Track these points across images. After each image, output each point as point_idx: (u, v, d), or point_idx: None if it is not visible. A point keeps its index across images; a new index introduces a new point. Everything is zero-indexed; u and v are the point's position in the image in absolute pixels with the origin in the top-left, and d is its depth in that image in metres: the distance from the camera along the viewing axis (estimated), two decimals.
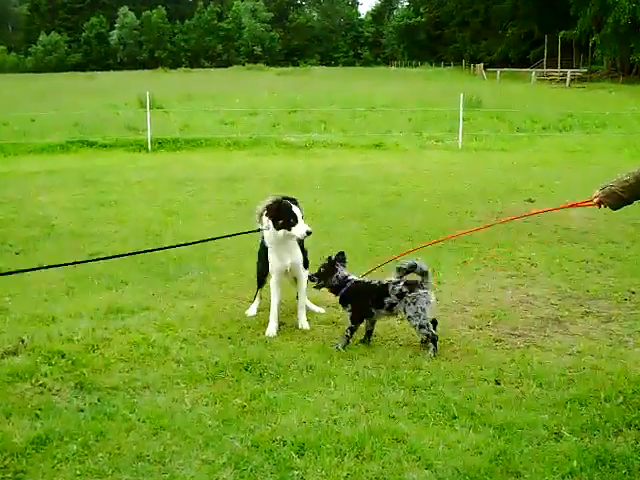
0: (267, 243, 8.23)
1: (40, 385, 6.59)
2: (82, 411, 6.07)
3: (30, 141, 27.90)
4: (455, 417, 5.93)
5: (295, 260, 8.27)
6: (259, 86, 61.15)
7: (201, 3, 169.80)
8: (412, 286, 7.48)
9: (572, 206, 7.63)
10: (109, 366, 6.99)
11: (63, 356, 7.16)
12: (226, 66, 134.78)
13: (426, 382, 6.58)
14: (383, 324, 8.05)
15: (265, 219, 8.06)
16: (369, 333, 7.75)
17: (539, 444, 5.51)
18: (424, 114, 34.54)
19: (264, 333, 7.88)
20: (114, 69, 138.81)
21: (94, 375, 6.77)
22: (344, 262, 7.92)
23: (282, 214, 7.93)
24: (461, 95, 28.01)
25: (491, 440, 5.54)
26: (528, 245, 11.81)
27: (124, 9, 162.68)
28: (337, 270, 7.80)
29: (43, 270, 8.92)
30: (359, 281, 7.86)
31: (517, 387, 6.54)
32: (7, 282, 9.80)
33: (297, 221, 7.92)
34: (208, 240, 9.33)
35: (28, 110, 36.78)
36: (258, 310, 8.59)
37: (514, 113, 33.37)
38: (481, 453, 5.37)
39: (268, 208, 8.03)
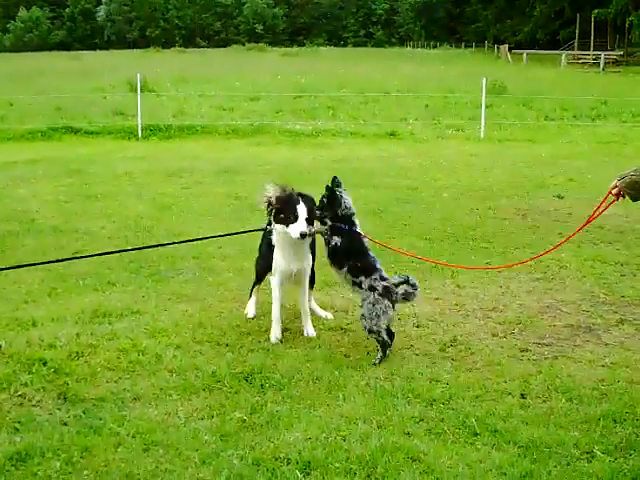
0: (274, 240, 8.10)
1: (19, 396, 6.59)
2: (66, 424, 6.08)
3: (8, 127, 27.92)
4: (476, 434, 5.93)
5: (303, 266, 8.18)
6: (261, 68, 61.11)
7: None
8: (387, 290, 7.55)
9: (600, 210, 7.20)
10: (95, 375, 6.99)
11: (45, 364, 7.17)
12: (224, 46, 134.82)
13: (444, 395, 6.57)
14: (398, 332, 8.05)
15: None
16: None
17: (569, 464, 5.50)
18: (443, 100, 34.54)
19: (266, 340, 7.87)
20: (101, 48, 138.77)
21: (79, 385, 6.77)
22: (340, 186, 7.84)
23: (285, 208, 7.79)
24: (483, 80, 27.97)
25: (516, 460, 5.54)
26: None
27: None
28: (342, 197, 7.75)
29: (22, 269, 8.96)
30: (361, 235, 7.87)
31: (544, 402, 6.53)
32: None
33: (297, 219, 7.70)
34: (206, 238, 9.35)
35: (6, 93, 36.74)
36: (258, 315, 8.57)
37: (542, 100, 33.31)
38: (505, 474, 5.36)
39: (276, 198, 7.88)
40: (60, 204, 14.99)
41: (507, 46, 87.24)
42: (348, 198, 7.83)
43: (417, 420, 6.14)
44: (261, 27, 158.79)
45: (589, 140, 25.33)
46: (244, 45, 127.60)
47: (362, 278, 7.62)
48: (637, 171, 6.31)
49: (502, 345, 7.87)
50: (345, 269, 7.74)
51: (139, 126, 27.20)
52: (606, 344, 7.92)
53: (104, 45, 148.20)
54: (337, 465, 5.44)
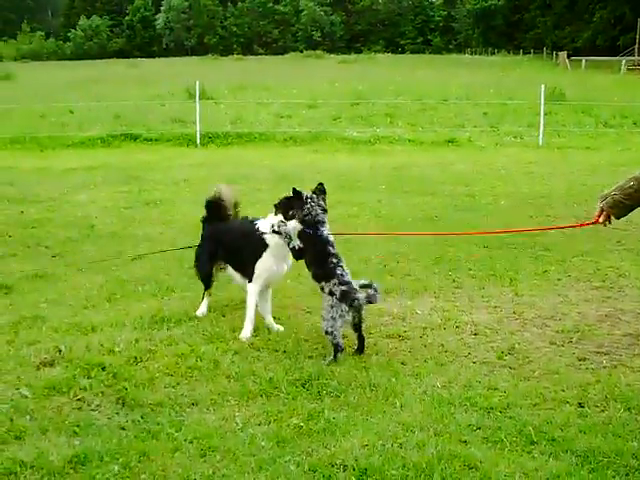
0: (271, 244, 8.26)
1: (79, 400, 6.65)
2: (124, 429, 6.12)
3: (68, 134, 28.27)
4: (533, 442, 5.88)
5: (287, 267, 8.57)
6: (318, 75, 61.25)
7: None
8: (344, 294, 7.67)
9: (579, 226, 7.61)
10: (153, 380, 7.03)
11: (103, 368, 7.22)
12: (282, 53, 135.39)
13: (502, 404, 6.53)
14: (455, 340, 8.06)
15: (274, 220, 8.25)
16: None
17: (627, 474, 5.44)
18: (501, 107, 34.34)
19: (323, 347, 7.86)
20: (160, 56, 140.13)
21: (137, 390, 6.82)
22: (324, 193, 8.17)
23: (297, 203, 8.02)
24: (542, 86, 27.80)
25: (573, 469, 5.48)
26: (616, 253, 11.69)
27: None
28: (311, 204, 7.98)
29: (82, 275, 9.05)
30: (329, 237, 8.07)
31: (602, 411, 6.46)
32: (44, 287, 10.00)
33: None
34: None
35: (66, 101, 37.20)
36: (313, 323, 8.58)
37: (601, 106, 32.99)
38: None
39: (281, 202, 8.22)
40: (119, 210, 15.15)
41: (566, 53, 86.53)
42: (318, 205, 8.05)
43: (474, 428, 6.10)
44: (319, 34, 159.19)
45: None
46: (302, 52, 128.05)
47: (323, 283, 7.82)
48: (619, 189, 6.53)
49: (560, 354, 7.80)
50: (310, 273, 8.01)
51: (197, 133, 27.37)
52: None
53: (162, 53, 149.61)
54: (393, 472, 5.42)
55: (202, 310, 9.00)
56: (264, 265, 8.31)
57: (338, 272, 7.81)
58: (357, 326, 7.83)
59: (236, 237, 8.70)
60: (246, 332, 8.31)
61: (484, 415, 6.33)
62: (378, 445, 5.80)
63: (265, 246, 8.26)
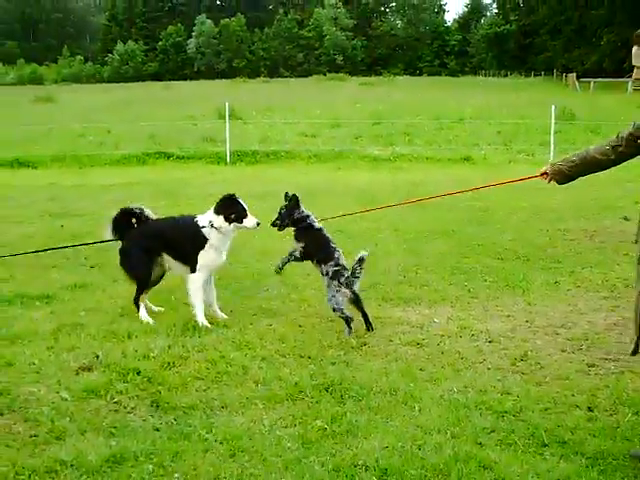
0: (211, 240, 8.83)
1: (115, 402, 6.68)
2: (158, 430, 6.14)
3: (106, 153, 28.49)
4: (545, 445, 5.86)
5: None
6: (341, 97, 61.29)
7: (281, 11, 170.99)
8: (337, 272, 8.54)
9: (525, 179, 8.34)
10: (186, 384, 7.05)
11: (139, 373, 7.25)
12: (306, 76, 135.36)
13: (515, 408, 6.51)
14: (471, 347, 8.05)
15: (211, 216, 8.82)
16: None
17: (636, 477, 5.41)
18: (514, 127, 34.25)
19: (345, 354, 7.87)
20: (191, 78, 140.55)
21: (170, 393, 6.84)
22: (298, 203, 8.91)
23: (234, 207, 8.79)
24: (553, 107, 27.76)
25: (584, 471, 5.45)
26: (623, 265, 11.59)
27: (202, 17, 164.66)
28: (298, 207, 8.86)
29: (118, 285, 9.08)
30: (321, 229, 8.95)
31: (611, 415, 6.43)
32: (82, 296, 10.07)
33: (247, 214, 8.81)
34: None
35: (104, 121, 37.47)
36: (338, 331, 8.60)
37: (609, 126, 32.78)
38: None
39: (218, 205, 8.84)
40: None
41: (575, 74, 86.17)
42: (303, 209, 8.92)
43: (489, 431, 6.09)
44: (341, 58, 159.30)
45: None
46: (325, 75, 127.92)
47: (322, 266, 8.67)
48: (564, 160, 7.09)
49: (570, 360, 7.78)
50: (316, 264, 8.80)
51: (227, 152, 27.49)
52: None
53: (194, 75, 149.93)
54: (412, 472, 5.41)
55: (145, 316, 9.11)
56: (208, 256, 8.88)
57: (336, 255, 8.60)
58: (357, 303, 8.52)
59: (179, 232, 9.07)
60: (200, 317, 8.79)
61: (498, 418, 6.32)
62: (398, 447, 5.79)
63: (206, 239, 8.82)
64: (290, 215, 8.84)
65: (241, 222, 8.78)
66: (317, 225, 8.92)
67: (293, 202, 8.82)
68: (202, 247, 8.85)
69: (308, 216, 8.89)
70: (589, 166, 6.90)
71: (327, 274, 8.56)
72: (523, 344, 8.24)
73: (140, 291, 9.19)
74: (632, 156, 6.59)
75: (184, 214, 9.49)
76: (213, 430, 6.09)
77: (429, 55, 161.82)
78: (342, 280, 8.48)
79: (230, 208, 8.79)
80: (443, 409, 6.50)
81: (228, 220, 8.73)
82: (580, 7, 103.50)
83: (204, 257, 8.88)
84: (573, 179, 7.15)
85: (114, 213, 9.36)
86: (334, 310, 8.49)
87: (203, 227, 8.82)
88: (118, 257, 9.30)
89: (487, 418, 6.32)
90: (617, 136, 6.56)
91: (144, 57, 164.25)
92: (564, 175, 7.10)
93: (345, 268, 8.55)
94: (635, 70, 6.29)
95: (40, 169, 26.27)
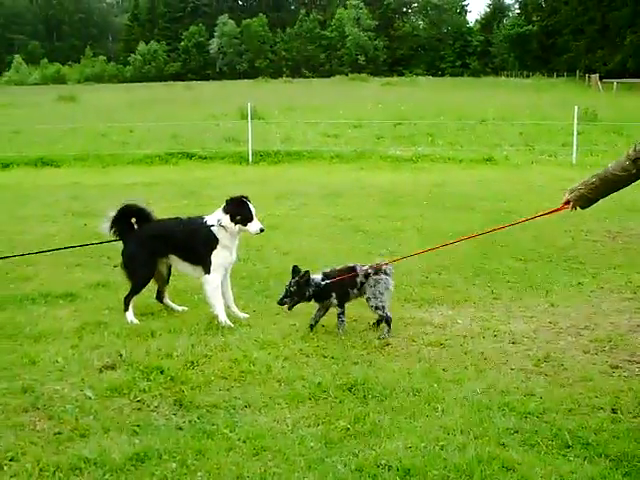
0: (222, 240, 8.93)
1: (138, 401, 6.70)
2: (181, 429, 6.15)
3: (129, 152, 28.50)
4: (569, 446, 5.83)
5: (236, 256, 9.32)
6: (363, 97, 61.20)
7: (303, 11, 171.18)
8: (377, 270, 8.68)
9: (550, 213, 7.99)
10: (209, 383, 7.06)
11: (162, 372, 7.27)
12: (328, 76, 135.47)
13: (538, 409, 6.48)
14: (494, 348, 8.03)
15: (219, 215, 8.91)
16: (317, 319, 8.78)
17: None
18: (536, 127, 34.08)
19: (368, 354, 7.89)
20: (213, 79, 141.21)
21: (193, 392, 6.86)
22: (299, 272, 8.70)
23: (242, 209, 8.87)
24: (576, 108, 27.62)
25: (608, 473, 5.43)
26: None
27: (224, 17, 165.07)
28: (310, 279, 8.63)
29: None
30: (329, 273, 8.81)
31: (635, 417, 6.39)
32: (105, 295, 10.12)
33: (253, 218, 8.90)
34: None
35: (126, 121, 37.57)
36: (358, 331, 8.60)
37: (632, 126, 32.62)
38: None
39: (228, 203, 8.93)
40: None
41: (598, 75, 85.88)
42: (313, 275, 8.70)
43: (512, 432, 6.07)
44: (363, 58, 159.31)
45: None
46: (347, 75, 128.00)
47: (357, 280, 8.70)
48: (583, 184, 6.97)
49: (594, 362, 7.75)
50: (349, 292, 8.80)
51: (249, 152, 27.46)
52: None
53: (216, 76, 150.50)
54: (435, 473, 5.40)
55: (132, 316, 9.10)
56: (221, 255, 8.96)
57: (353, 265, 8.91)
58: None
59: (189, 233, 9.07)
60: (222, 317, 8.85)
61: (521, 419, 6.29)
62: (421, 447, 5.78)
63: (217, 240, 8.91)
64: (304, 292, 8.65)
65: (245, 225, 8.88)
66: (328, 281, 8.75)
67: (304, 279, 8.62)
68: (215, 247, 8.90)
69: (321, 282, 8.70)
70: (611, 185, 6.82)
71: (367, 274, 8.67)
72: (546, 345, 8.21)
73: (134, 293, 9.19)
74: None
75: (190, 215, 9.56)
76: (236, 429, 6.09)
77: (451, 55, 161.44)
78: (387, 271, 8.75)
79: (238, 209, 8.88)
80: (466, 410, 6.48)
81: (233, 220, 8.83)
82: (603, 7, 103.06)
83: (218, 257, 8.92)
84: (595, 202, 7.07)
85: (114, 211, 9.30)
86: (377, 308, 8.54)
87: (212, 226, 8.89)
88: (122, 259, 9.34)
89: (510, 419, 6.30)
90: (634, 148, 6.51)
91: (166, 57, 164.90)
92: (586, 199, 7.03)
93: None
94: None
95: (63, 168, 26.34)
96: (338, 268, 8.87)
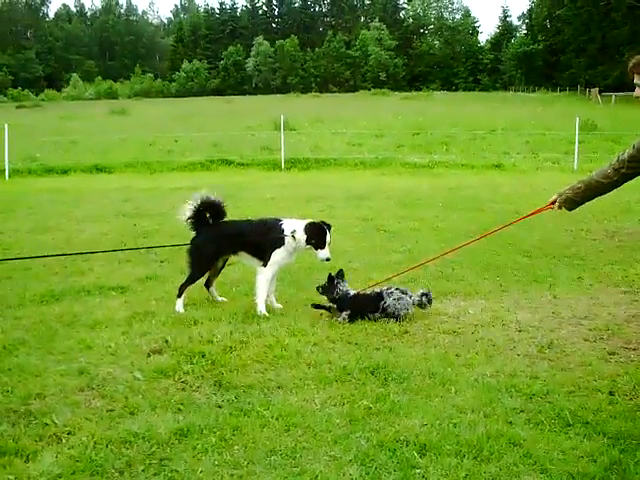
0: (287, 245, 8.91)
1: (182, 382, 6.72)
2: (220, 407, 6.16)
3: (174, 159, 28.67)
4: (570, 425, 5.79)
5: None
6: (384, 109, 61.16)
7: (330, 32, 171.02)
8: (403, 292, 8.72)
9: (536, 212, 8.16)
10: (245, 366, 7.07)
11: (203, 356, 7.29)
12: (353, 91, 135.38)
13: (542, 390, 6.45)
14: (502, 335, 8.02)
15: (297, 227, 8.87)
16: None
17: None
18: (541, 137, 33.99)
19: (389, 340, 7.88)
20: (249, 93, 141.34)
21: (231, 374, 6.86)
22: (342, 277, 8.89)
23: (320, 237, 8.88)
24: (577, 118, 27.50)
25: (606, 449, 5.38)
26: None
27: (259, 39, 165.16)
28: (338, 287, 8.74)
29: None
30: (356, 294, 8.81)
31: (631, 399, 6.34)
32: (153, 287, 10.17)
33: (325, 247, 8.90)
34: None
35: (172, 131, 37.71)
36: (379, 323, 8.61)
37: (630, 136, 32.31)
38: (595, 461, 5.22)
39: (311, 226, 8.88)
40: None
41: (597, 89, 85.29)
42: (344, 285, 8.83)
43: (518, 411, 6.04)
44: (384, 75, 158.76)
45: None
46: (369, 90, 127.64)
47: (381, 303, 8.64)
48: (570, 188, 7.16)
49: (593, 348, 7.69)
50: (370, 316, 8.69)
51: (282, 159, 27.55)
52: None
53: (252, 91, 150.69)
54: (449, 448, 5.38)
55: (181, 306, 9.08)
56: (281, 255, 8.94)
57: (379, 291, 8.87)
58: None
59: (262, 233, 8.99)
60: (261, 306, 8.86)
61: (527, 400, 6.26)
62: (436, 424, 5.76)
63: (284, 242, 8.88)
64: (331, 292, 8.78)
65: (316, 249, 8.91)
66: (353, 292, 8.85)
67: (332, 283, 8.81)
68: (279, 247, 8.87)
69: (348, 292, 8.78)
70: (594, 190, 6.98)
71: (393, 305, 8.60)
72: (550, 333, 8.16)
73: (190, 282, 9.14)
74: (634, 176, 6.68)
75: (266, 217, 9.53)
76: (270, 407, 6.09)
77: (464, 72, 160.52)
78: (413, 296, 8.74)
79: (317, 235, 8.88)
80: (477, 391, 6.46)
81: (308, 241, 8.84)
82: (604, 27, 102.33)
83: (277, 255, 8.88)
84: (581, 204, 7.22)
85: (195, 202, 9.20)
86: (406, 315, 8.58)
87: (285, 232, 8.85)
88: (190, 246, 9.24)
89: (517, 400, 6.27)
90: (617, 159, 6.60)
91: (207, 74, 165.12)
92: (571, 201, 7.17)
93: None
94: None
95: (115, 174, 26.51)
96: (368, 292, 8.92)
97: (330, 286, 8.75)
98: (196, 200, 9.15)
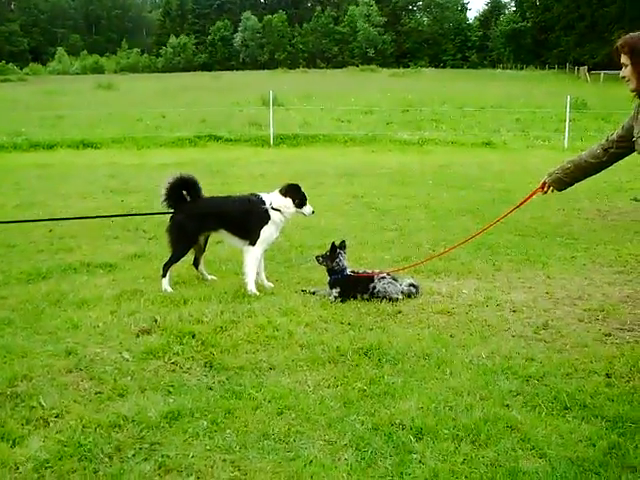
0: (273, 218, 8.88)
1: (172, 363, 6.63)
2: (211, 389, 6.08)
3: (161, 135, 28.50)
4: (567, 408, 5.72)
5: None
6: (373, 86, 61.03)
7: (319, 8, 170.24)
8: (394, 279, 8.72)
9: (528, 198, 8.00)
10: (236, 347, 6.99)
11: (193, 336, 7.20)
12: (341, 67, 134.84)
13: (538, 373, 6.38)
14: (497, 316, 7.95)
15: (280, 198, 8.92)
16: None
17: None
18: (531, 115, 33.99)
19: (382, 320, 7.81)
20: (237, 69, 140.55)
21: (222, 355, 6.78)
22: (344, 249, 8.83)
23: (300, 193, 9.00)
24: (568, 97, 27.45)
25: (604, 433, 5.31)
26: (635, 243, 11.44)
27: (247, 14, 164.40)
28: (339, 258, 8.73)
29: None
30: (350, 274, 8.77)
31: (628, 381, 6.27)
32: (141, 265, 10.07)
33: (306, 202, 9.07)
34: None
35: (159, 107, 37.57)
36: (374, 301, 8.51)
37: (619, 114, 32.32)
38: (594, 445, 5.14)
39: (287, 189, 8.99)
40: None
41: (586, 67, 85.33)
42: (343, 260, 8.79)
43: (515, 394, 5.97)
44: (372, 51, 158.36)
45: None
46: (358, 67, 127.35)
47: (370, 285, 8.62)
48: (559, 168, 7.09)
49: (588, 330, 7.63)
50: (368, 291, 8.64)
51: (271, 135, 27.45)
52: None
53: (239, 66, 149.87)
54: (445, 431, 5.31)
55: (167, 285, 8.95)
56: (269, 231, 8.90)
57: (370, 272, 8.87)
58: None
59: (243, 209, 8.93)
60: (251, 286, 8.75)
61: (523, 383, 6.20)
62: (432, 407, 5.69)
63: (269, 217, 8.88)
64: (329, 262, 8.80)
65: (301, 207, 8.97)
66: (348, 272, 8.82)
67: (334, 252, 8.77)
68: (265, 223, 8.80)
69: (345, 269, 8.77)
70: (583, 170, 6.93)
71: (382, 289, 8.55)
72: (544, 314, 8.11)
73: (173, 261, 8.99)
74: (623, 156, 6.67)
75: (244, 192, 9.41)
76: (262, 389, 6.01)
77: (452, 49, 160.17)
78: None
79: (296, 194, 8.95)
80: (472, 373, 6.39)
81: (294, 203, 8.90)
82: (593, 4, 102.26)
83: (265, 232, 8.81)
84: (571, 185, 7.14)
85: (170, 179, 8.90)
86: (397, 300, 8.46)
87: (265, 205, 8.84)
88: (169, 224, 9.01)
89: (513, 382, 6.20)
90: (607, 139, 6.59)
91: (194, 49, 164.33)
92: (561, 182, 7.09)
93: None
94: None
95: (102, 149, 26.31)
96: (361, 272, 8.89)
97: (332, 254, 8.70)
98: (169, 180, 8.93)
